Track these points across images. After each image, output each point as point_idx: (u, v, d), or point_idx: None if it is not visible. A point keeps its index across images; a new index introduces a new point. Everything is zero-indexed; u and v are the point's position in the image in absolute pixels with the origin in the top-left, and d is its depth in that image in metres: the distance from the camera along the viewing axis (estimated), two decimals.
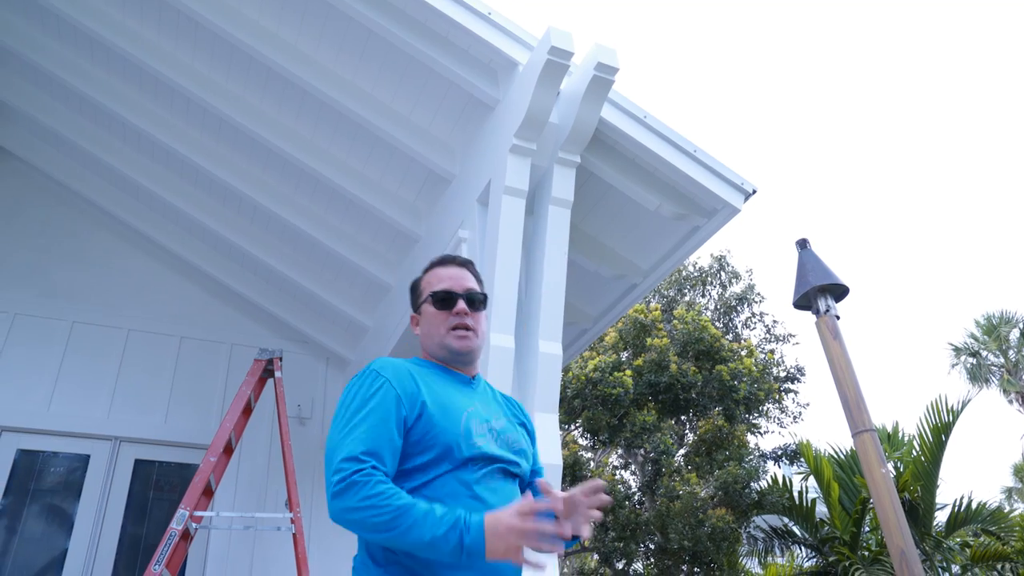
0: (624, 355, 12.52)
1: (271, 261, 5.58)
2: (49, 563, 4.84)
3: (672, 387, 11.59)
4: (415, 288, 1.95)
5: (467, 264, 1.93)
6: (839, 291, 3.53)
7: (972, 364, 20.15)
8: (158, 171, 5.45)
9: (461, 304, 1.82)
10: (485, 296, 1.89)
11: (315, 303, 5.89)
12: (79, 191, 5.77)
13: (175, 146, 5.00)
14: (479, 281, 1.94)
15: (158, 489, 5.33)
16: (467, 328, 1.80)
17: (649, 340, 12.00)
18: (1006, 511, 11.13)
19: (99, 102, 4.92)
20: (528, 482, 1.85)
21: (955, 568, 10.49)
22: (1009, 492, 23.53)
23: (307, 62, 4.26)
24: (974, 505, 9.88)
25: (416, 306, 1.93)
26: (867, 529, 9.90)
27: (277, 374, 4.78)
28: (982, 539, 10.73)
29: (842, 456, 10.74)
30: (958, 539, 10.74)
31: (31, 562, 4.81)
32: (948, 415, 9.50)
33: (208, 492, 4.28)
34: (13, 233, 5.70)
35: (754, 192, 4.02)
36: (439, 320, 1.82)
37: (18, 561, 4.77)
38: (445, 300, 1.82)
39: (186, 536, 4.05)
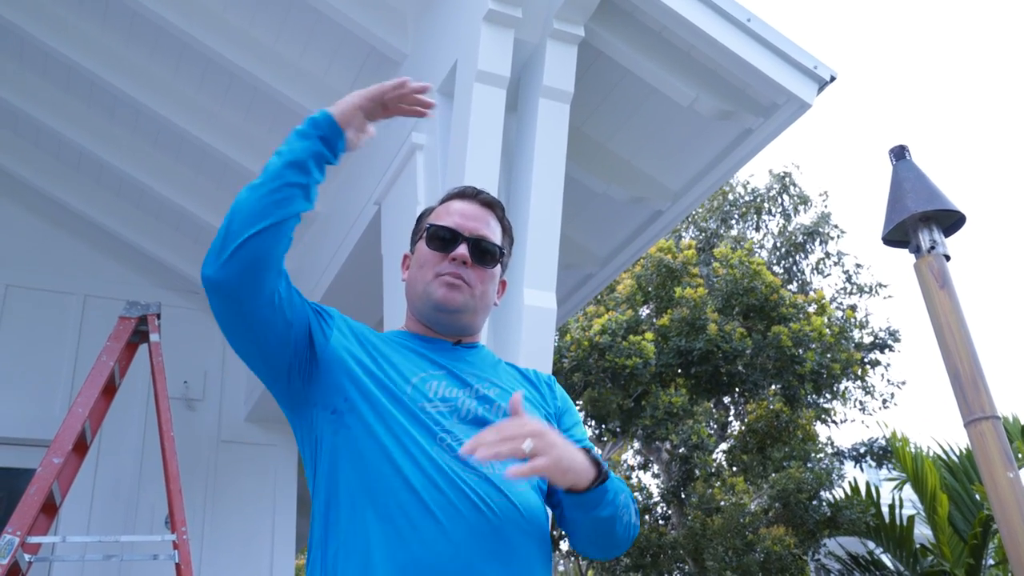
0: (644, 311, 12.62)
1: (142, 176, 5.51)
2: None
3: (710, 356, 11.70)
4: (419, 220, 2.03)
5: (493, 205, 2.00)
6: (950, 220, 3.44)
7: None
8: None
9: (462, 248, 1.87)
10: (502, 251, 1.95)
11: (208, 236, 5.85)
12: None
13: None
14: (506, 232, 2.02)
15: None
16: (460, 279, 1.86)
17: (679, 291, 12.08)
18: None
19: None
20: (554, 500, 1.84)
21: None
22: None
23: None
24: None
25: (412, 242, 2.01)
26: (991, 562, 10.08)
27: (153, 337, 4.77)
28: None
29: (954, 457, 10.88)
30: None
31: None
32: None
33: (50, 508, 4.30)
34: None
35: (832, 80, 4.00)
36: (430, 263, 1.89)
37: None
38: (443, 239, 1.89)
39: (16, 573, 4.07)
